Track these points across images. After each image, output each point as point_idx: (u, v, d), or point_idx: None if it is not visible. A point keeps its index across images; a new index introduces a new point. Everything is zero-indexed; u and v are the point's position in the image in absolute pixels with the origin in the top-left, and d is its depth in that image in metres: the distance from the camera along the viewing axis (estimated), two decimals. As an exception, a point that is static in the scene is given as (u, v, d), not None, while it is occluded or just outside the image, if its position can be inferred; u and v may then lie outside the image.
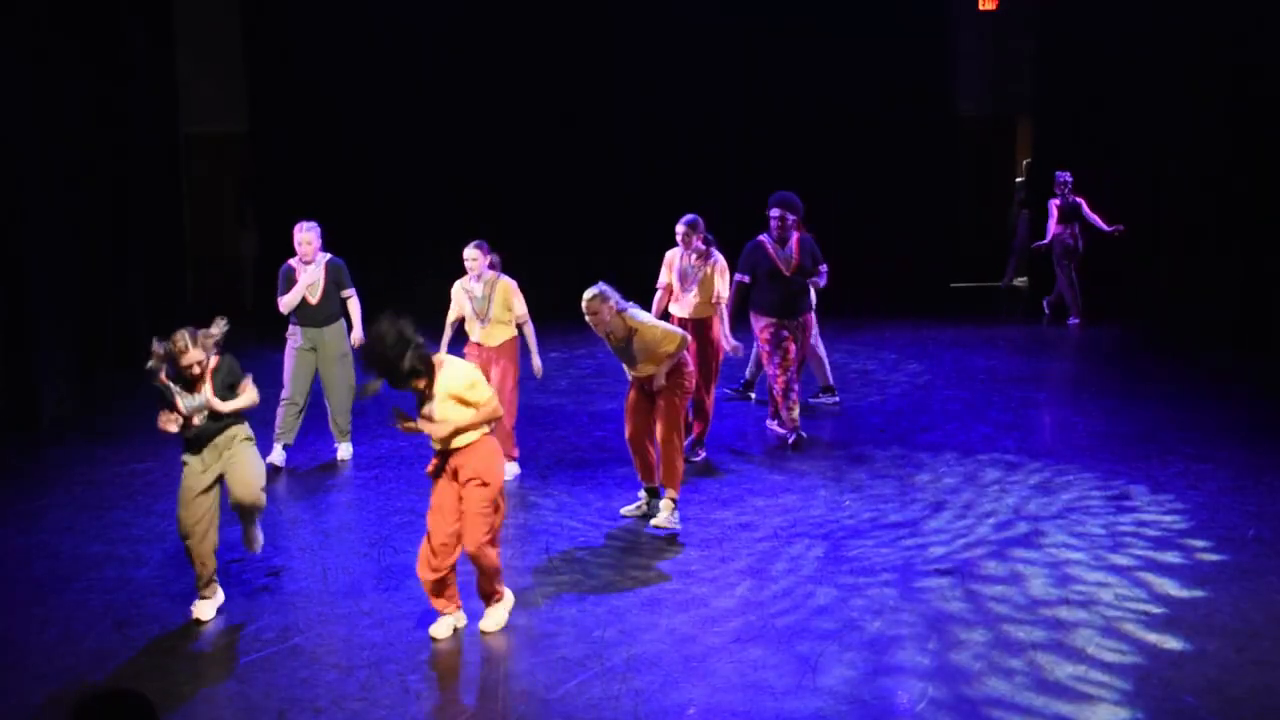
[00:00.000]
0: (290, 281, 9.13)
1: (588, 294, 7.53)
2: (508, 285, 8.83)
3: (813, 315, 10.02)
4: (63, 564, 7.45)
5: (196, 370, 6.45)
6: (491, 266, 8.83)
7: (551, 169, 15.99)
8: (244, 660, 6.16)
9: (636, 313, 7.66)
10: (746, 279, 9.46)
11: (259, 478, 6.72)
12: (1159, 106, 15.28)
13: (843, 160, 16.47)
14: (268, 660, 6.15)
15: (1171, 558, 7.29)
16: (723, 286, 9.10)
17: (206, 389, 6.51)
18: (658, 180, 16.26)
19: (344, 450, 9.46)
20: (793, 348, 9.52)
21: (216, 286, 15.36)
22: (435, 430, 6.16)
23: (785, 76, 16.49)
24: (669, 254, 9.31)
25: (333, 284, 9.18)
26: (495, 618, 6.44)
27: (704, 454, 9.25)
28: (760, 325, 9.53)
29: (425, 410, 6.19)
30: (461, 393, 6.15)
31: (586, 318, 7.59)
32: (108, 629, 6.54)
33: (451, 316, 8.97)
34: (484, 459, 6.23)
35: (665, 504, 7.67)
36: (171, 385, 6.47)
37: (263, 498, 6.78)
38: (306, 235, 9.11)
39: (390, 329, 6.01)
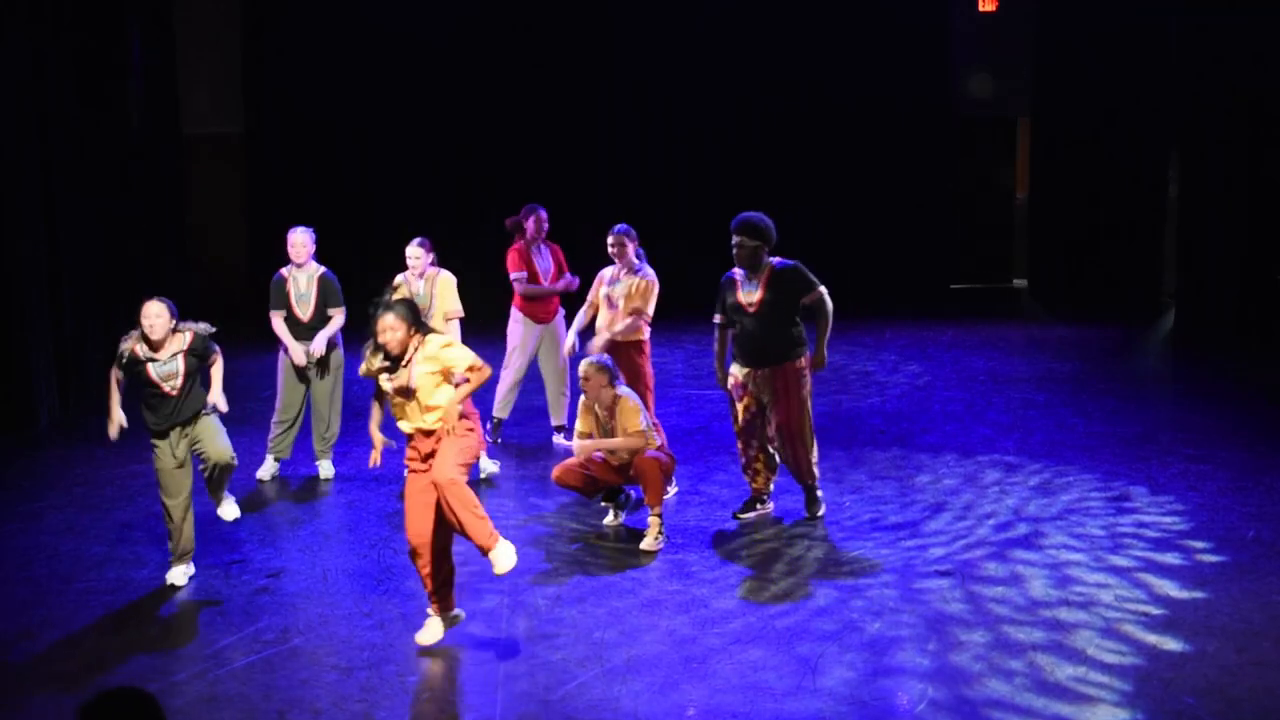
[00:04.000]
0: (282, 293, 8.89)
1: (593, 360, 7.72)
2: (449, 280, 8.91)
3: (799, 366, 7.79)
4: (63, 565, 7.46)
5: (155, 337, 6.96)
6: (432, 264, 8.96)
7: (552, 169, 15.98)
8: (244, 661, 6.16)
9: (624, 389, 7.80)
10: (718, 318, 7.97)
11: (227, 439, 7.19)
12: (1159, 107, 15.29)
13: (843, 160, 16.48)
14: (268, 661, 6.15)
15: (1171, 559, 7.29)
16: (647, 304, 8.54)
17: (178, 360, 7.00)
18: (657, 181, 16.27)
19: (325, 469, 9.10)
20: (747, 402, 7.87)
21: (217, 286, 15.35)
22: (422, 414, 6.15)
23: (785, 77, 16.49)
24: (601, 273, 8.82)
25: (322, 300, 8.89)
26: (433, 629, 6.29)
27: (674, 490, 8.49)
28: (733, 371, 8.00)
29: (399, 379, 6.15)
30: (438, 354, 6.14)
31: (581, 381, 7.70)
32: (108, 630, 6.55)
33: None
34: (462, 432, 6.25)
35: (652, 522, 7.64)
36: (142, 355, 6.98)
37: (234, 457, 7.23)
38: (301, 238, 8.86)
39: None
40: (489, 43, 15.95)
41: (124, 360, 6.99)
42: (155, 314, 6.94)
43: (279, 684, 5.90)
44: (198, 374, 7.09)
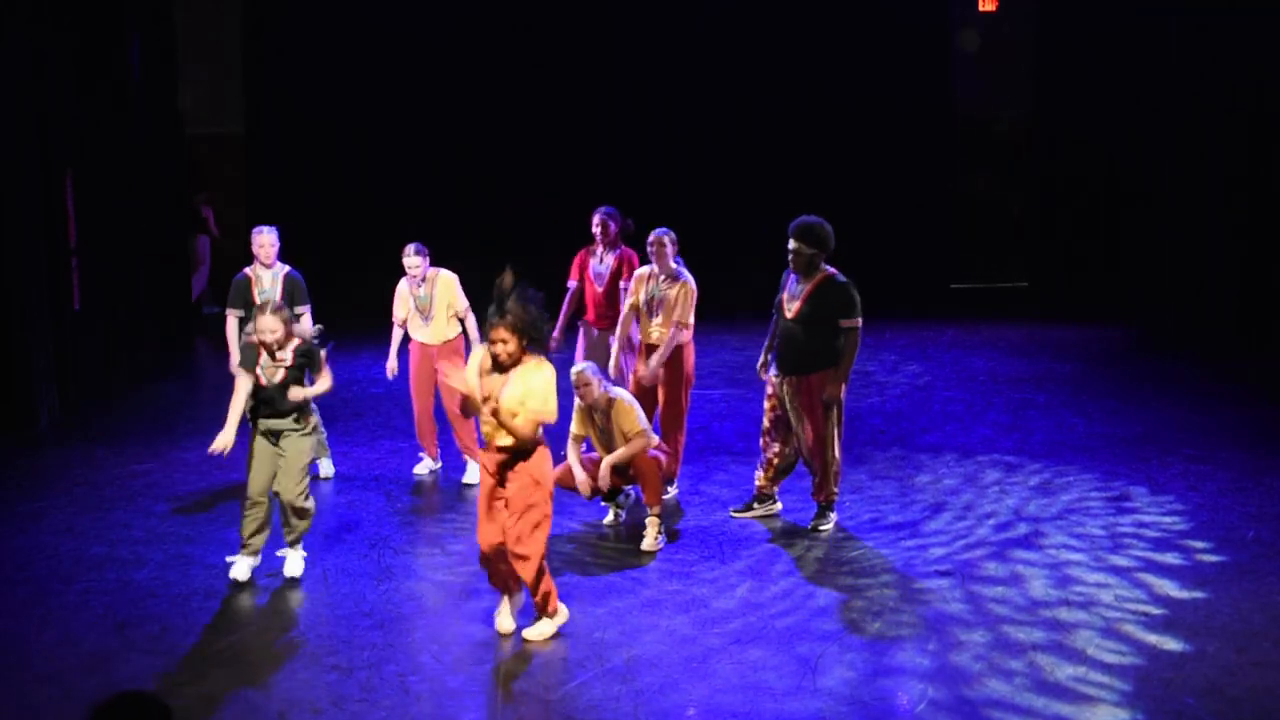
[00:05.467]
0: (244, 292, 8.70)
1: (583, 368, 7.71)
2: (449, 279, 8.86)
3: (826, 380, 7.67)
4: (63, 565, 7.45)
5: (268, 339, 6.86)
6: (431, 263, 8.87)
7: (552, 169, 16.00)
8: (244, 661, 6.15)
9: (619, 391, 7.80)
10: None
11: (303, 475, 7.01)
12: (1158, 107, 15.28)
13: (843, 161, 16.47)
14: (267, 661, 6.15)
15: (1171, 559, 7.29)
16: (687, 314, 8.22)
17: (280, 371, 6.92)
18: (657, 181, 16.27)
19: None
20: (774, 403, 7.84)
21: (217, 286, 15.34)
22: (492, 415, 6.02)
23: (785, 77, 16.49)
24: (640, 271, 8.55)
25: (289, 298, 8.63)
26: (541, 628, 6.27)
27: (674, 491, 8.54)
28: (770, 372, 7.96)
29: (488, 388, 6.07)
30: (529, 390, 6.04)
31: (576, 389, 7.69)
32: (108, 630, 6.54)
33: (399, 313, 8.92)
34: (537, 461, 6.17)
35: (651, 523, 7.64)
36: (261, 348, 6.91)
37: (305, 498, 7.02)
38: (267, 238, 8.74)
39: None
40: (489, 43, 15.95)
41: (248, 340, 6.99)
42: (269, 329, 6.87)
43: (279, 684, 5.89)
44: (299, 378, 6.99)
